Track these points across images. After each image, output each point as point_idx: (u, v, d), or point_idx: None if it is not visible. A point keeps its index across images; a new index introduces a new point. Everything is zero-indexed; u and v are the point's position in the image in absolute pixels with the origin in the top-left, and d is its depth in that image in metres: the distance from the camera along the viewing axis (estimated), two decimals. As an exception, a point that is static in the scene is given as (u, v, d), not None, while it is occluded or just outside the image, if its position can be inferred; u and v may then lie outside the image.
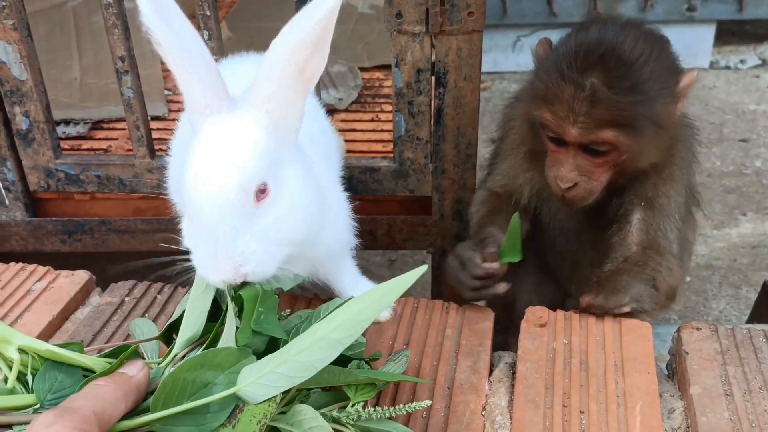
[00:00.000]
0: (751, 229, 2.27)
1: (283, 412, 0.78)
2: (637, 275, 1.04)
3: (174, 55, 0.72)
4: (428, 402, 0.83)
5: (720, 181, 2.49)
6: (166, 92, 1.69)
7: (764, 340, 1.00)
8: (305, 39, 0.73)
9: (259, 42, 1.99)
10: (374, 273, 2.05)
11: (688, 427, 0.89)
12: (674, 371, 1.01)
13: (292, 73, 0.74)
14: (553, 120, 1.02)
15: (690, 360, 0.97)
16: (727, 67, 3.28)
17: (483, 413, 0.90)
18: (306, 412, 0.76)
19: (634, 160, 1.05)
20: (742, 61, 3.30)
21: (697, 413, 0.89)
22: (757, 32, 3.44)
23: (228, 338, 0.79)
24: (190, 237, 0.77)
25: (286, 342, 0.79)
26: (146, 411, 0.73)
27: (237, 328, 0.78)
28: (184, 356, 0.81)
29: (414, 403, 0.82)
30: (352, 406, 0.80)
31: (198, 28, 1.20)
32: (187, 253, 0.80)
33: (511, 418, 0.89)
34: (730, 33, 3.38)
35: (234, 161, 0.72)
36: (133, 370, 0.75)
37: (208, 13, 1.15)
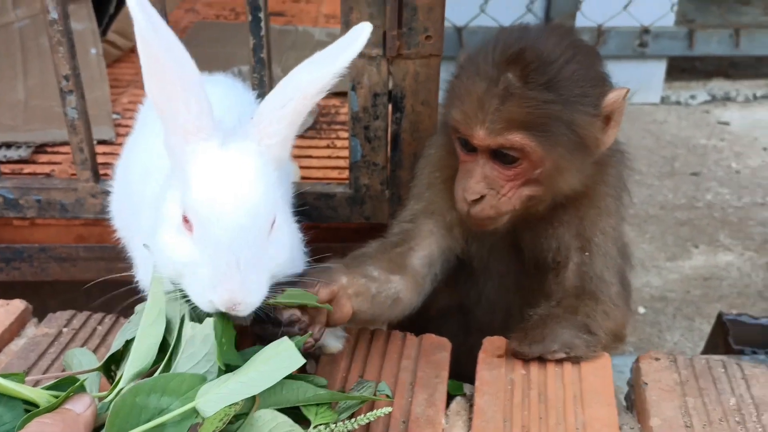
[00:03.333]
0: (703, 261, 2.29)
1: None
2: (565, 322, 0.97)
3: (172, 73, 0.72)
4: (389, 409, 0.82)
5: (672, 214, 2.52)
6: (114, 116, 1.64)
7: (723, 370, 0.99)
8: (324, 85, 0.76)
9: (213, 66, 1.95)
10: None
11: (650, 461, 0.87)
12: (633, 402, 0.98)
13: (299, 113, 0.77)
14: (463, 119, 0.92)
15: (649, 391, 0.95)
16: (678, 103, 3.35)
17: (440, 448, 0.87)
18: (264, 415, 0.75)
19: (550, 180, 0.95)
20: (692, 97, 3.38)
21: (658, 446, 0.87)
22: (707, 69, 3.53)
23: (186, 364, 0.76)
24: (188, 256, 0.75)
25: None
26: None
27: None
28: (131, 390, 0.77)
29: (376, 411, 0.80)
30: (314, 427, 0.78)
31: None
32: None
33: (468, 453, 0.86)
34: (680, 69, 3.46)
35: (259, 192, 0.74)
36: (80, 407, 0.71)
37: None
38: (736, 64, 3.56)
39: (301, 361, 0.76)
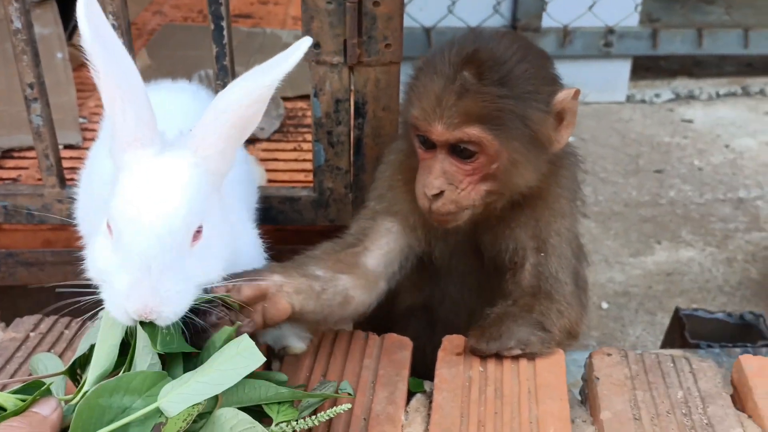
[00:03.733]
0: (666, 257, 2.35)
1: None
2: (521, 320, 1.02)
3: (112, 83, 0.73)
4: (348, 406, 0.85)
5: (636, 211, 2.58)
6: (81, 120, 1.65)
7: (671, 364, 1.03)
8: (257, 97, 0.77)
9: (181, 70, 1.96)
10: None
11: (599, 452, 0.91)
12: (587, 397, 1.02)
13: (235, 125, 0.77)
14: (422, 116, 0.96)
15: (601, 386, 0.99)
16: (643, 101, 3.41)
17: (399, 444, 0.90)
18: (226, 413, 0.77)
19: (506, 175, 0.99)
20: (657, 95, 3.45)
21: (607, 438, 0.90)
22: (671, 67, 3.61)
23: (141, 364, 0.78)
24: (107, 262, 0.76)
25: (197, 356, 0.81)
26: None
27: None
28: (96, 392, 0.79)
29: (335, 408, 0.84)
30: (276, 425, 0.80)
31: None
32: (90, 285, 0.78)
33: (426, 449, 0.89)
34: (645, 68, 3.52)
35: (180, 201, 0.74)
36: (47, 410, 0.73)
37: (121, 41, 1.12)
38: (700, 62, 3.64)
39: (262, 359, 0.78)
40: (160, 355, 0.79)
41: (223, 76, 1.17)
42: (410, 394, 1.00)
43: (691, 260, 2.34)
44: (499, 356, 1.02)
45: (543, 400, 0.95)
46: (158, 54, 2.04)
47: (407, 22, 3.09)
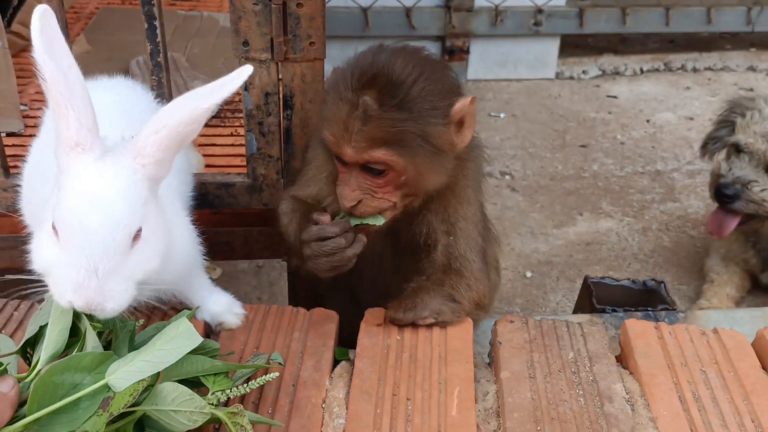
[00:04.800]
0: (586, 228, 2.51)
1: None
2: (433, 292, 1.14)
3: (57, 91, 0.80)
4: (276, 374, 0.96)
5: (561, 184, 2.73)
6: (22, 107, 1.70)
7: (566, 329, 1.17)
8: (196, 117, 0.83)
9: (119, 55, 2.00)
10: (242, 280, 2.13)
11: (499, 407, 1.04)
12: (492, 359, 1.16)
13: (174, 139, 0.84)
14: (333, 140, 1.06)
15: (503, 349, 1.12)
16: (571, 78, 3.56)
17: (323, 406, 1.02)
18: (167, 387, 0.87)
19: (417, 182, 1.09)
20: (584, 72, 3.60)
21: (505, 394, 1.04)
22: (598, 45, 3.76)
23: (90, 345, 0.87)
24: (51, 258, 0.83)
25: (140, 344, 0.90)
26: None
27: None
28: (49, 371, 0.88)
29: (265, 376, 0.94)
30: (212, 394, 0.91)
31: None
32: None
33: (347, 409, 1.01)
34: (573, 45, 3.67)
35: (122, 207, 0.82)
36: (5, 387, 0.81)
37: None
38: (626, 40, 3.81)
39: (199, 339, 0.88)
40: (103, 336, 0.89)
41: (157, 71, 1.25)
42: (336, 362, 1.12)
43: (610, 230, 2.50)
44: (414, 325, 1.14)
45: (451, 363, 1.08)
46: (97, 39, 2.09)
47: (345, 2, 3.16)
